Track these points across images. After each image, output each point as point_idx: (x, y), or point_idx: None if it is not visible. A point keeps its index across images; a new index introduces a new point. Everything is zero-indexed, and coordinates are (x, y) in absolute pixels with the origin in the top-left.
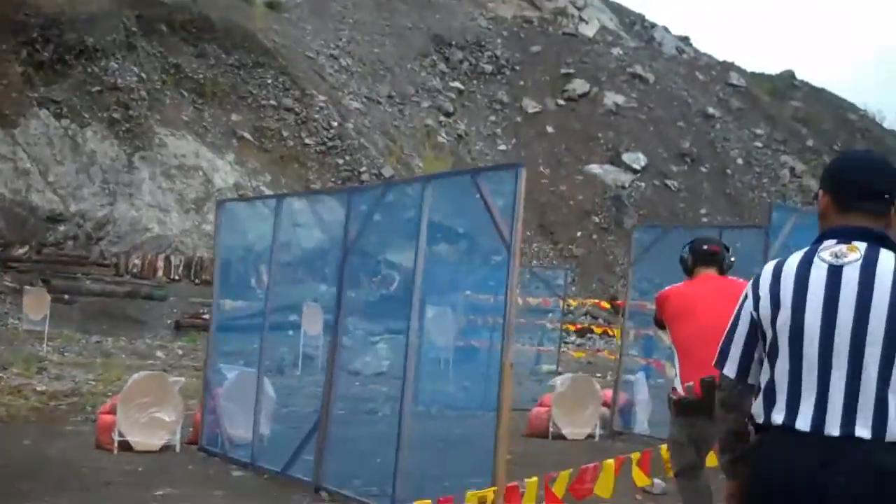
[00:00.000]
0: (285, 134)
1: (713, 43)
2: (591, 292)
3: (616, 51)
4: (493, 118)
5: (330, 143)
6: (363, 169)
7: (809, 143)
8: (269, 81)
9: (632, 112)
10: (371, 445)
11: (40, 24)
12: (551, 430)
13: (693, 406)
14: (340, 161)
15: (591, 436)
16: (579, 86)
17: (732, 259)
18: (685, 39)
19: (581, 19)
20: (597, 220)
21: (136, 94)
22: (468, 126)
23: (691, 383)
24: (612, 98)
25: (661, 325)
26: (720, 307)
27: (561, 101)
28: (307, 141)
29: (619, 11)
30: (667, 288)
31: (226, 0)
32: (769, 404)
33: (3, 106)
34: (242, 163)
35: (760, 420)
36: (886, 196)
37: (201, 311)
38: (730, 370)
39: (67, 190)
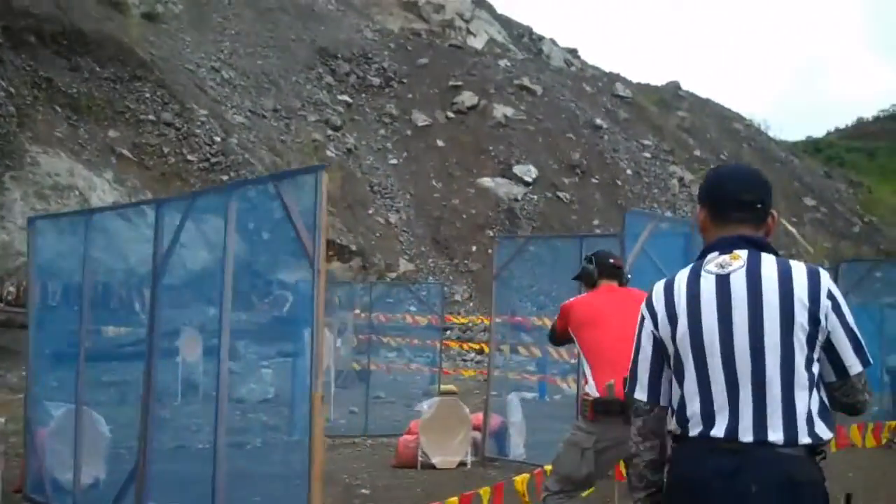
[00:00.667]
0: (166, 150)
1: (601, 55)
2: (488, 308)
3: (503, 63)
4: (382, 132)
5: (213, 160)
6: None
7: (697, 152)
8: (148, 95)
9: (521, 124)
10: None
11: None
12: (420, 459)
13: (612, 406)
14: (225, 177)
15: (462, 463)
16: (468, 98)
17: (629, 276)
18: (573, 52)
19: (469, 32)
20: (491, 233)
21: (4, 109)
22: (358, 140)
23: (612, 381)
24: (501, 110)
25: (559, 337)
26: (630, 311)
27: (450, 114)
28: (189, 157)
29: (508, 24)
30: (571, 299)
31: (99, 11)
32: (684, 421)
33: None
34: (122, 181)
35: (679, 433)
36: (760, 205)
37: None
38: (641, 394)
39: None
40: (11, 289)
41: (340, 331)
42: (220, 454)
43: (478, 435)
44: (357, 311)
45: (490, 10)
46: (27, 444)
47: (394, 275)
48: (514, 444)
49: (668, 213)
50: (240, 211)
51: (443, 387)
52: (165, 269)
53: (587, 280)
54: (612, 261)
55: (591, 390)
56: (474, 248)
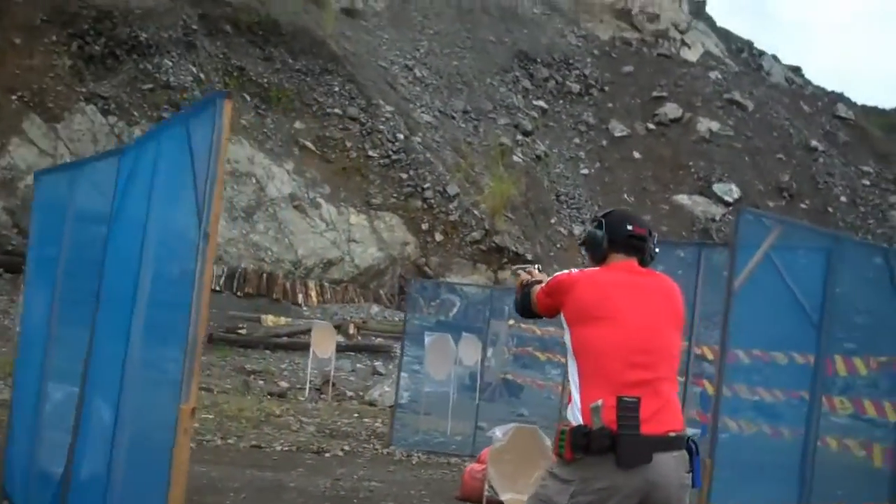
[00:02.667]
0: (348, 144)
1: (826, 75)
2: None
3: (714, 75)
4: (577, 140)
5: (395, 157)
6: (427, 185)
7: None
8: (336, 89)
9: (726, 140)
10: None
11: (92, 17)
12: (486, 494)
13: (597, 440)
14: (404, 175)
15: None
16: (671, 110)
17: (657, 250)
18: (796, 70)
19: (684, 43)
20: (682, 254)
21: (190, 93)
22: (549, 147)
23: (599, 402)
24: (706, 124)
25: (540, 311)
26: (655, 305)
27: (650, 126)
28: (371, 153)
29: (727, 37)
30: (575, 270)
31: (296, 4)
32: None
33: (47, 99)
34: (301, 172)
35: None
36: None
37: (239, 325)
38: None
39: None
40: None
41: (492, 341)
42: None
43: None
44: (511, 322)
45: (709, 21)
46: (10, 430)
47: None
48: None
49: (886, 245)
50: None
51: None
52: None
53: (592, 251)
54: (629, 227)
55: (573, 415)
56: (661, 268)
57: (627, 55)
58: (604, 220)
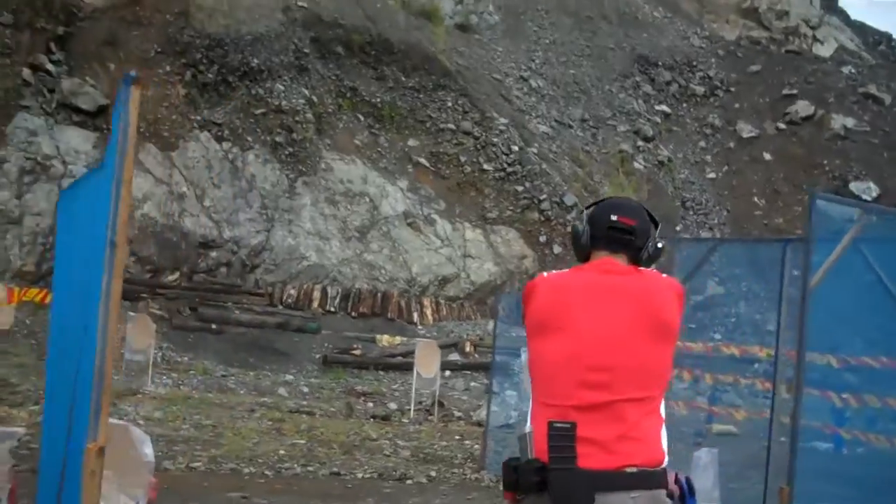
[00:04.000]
0: (463, 159)
1: None
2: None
3: (847, 70)
4: (702, 143)
5: (509, 169)
6: (543, 196)
7: None
8: (449, 104)
9: (863, 136)
10: None
11: (205, 46)
12: None
13: (525, 475)
14: (519, 188)
15: None
16: (802, 108)
17: (660, 245)
18: None
19: (815, 39)
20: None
21: (303, 116)
22: (673, 152)
23: (528, 429)
24: (840, 121)
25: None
26: (620, 312)
27: (781, 125)
28: (485, 167)
29: (862, 31)
30: (541, 274)
31: (407, 22)
32: None
33: (162, 129)
34: (416, 189)
35: None
36: None
37: (354, 346)
38: None
39: (223, 215)
40: (292, 291)
41: None
42: None
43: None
44: None
45: (843, 16)
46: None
47: (700, 297)
48: None
49: None
50: None
51: (718, 427)
52: None
53: (575, 248)
54: (614, 217)
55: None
56: (796, 272)
57: (754, 54)
58: (586, 212)
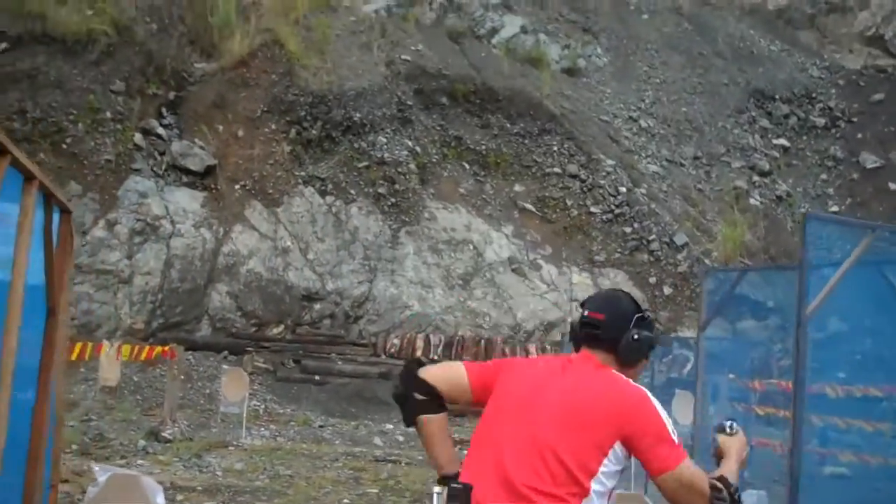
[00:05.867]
0: (569, 203)
1: None
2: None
3: None
4: (823, 176)
5: (617, 211)
6: (653, 237)
7: None
8: (555, 149)
9: None
10: None
11: (308, 103)
12: None
13: None
14: (628, 229)
15: None
16: None
17: (636, 337)
18: None
19: None
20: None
21: (406, 167)
22: (792, 186)
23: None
24: None
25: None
26: (557, 409)
27: None
28: (592, 209)
29: None
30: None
31: (512, 69)
32: None
33: (268, 185)
34: (521, 235)
35: None
36: None
37: None
38: None
39: (326, 267)
40: (395, 341)
41: (713, 395)
42: None
43: None
44: (731, 376)
45: None
46: None
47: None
48: None
49: None
50: None
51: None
52: None
53: (571, 339)
54: (586, 313)
55: None
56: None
57: (877, 82)
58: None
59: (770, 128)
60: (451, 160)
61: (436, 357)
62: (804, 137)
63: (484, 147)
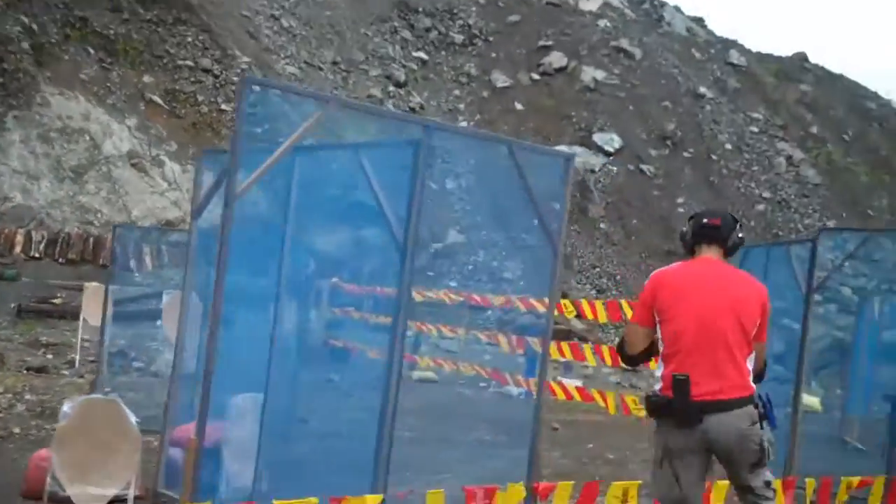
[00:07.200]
0: (200, 98)
1: (726, 23)
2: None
3: (603, 23)
4: (457, 92)
5: (249, 111)
6: (282, 139)
7: (813, 129)
8: (189, 40)
9: (611, 89)
10: None
11: None
12: (48, 489)
13: (659, 406)
14: (258, 130)
15: (120, 501)
16: (556, 59)
17: (741, 236)
18: (699, 20)
19: None
20: (557, 206)
21: (16, 45)
22: (426, 99)
23: (659, 378)
24: (590, 73)
25: (643, 319)
26: (714, 299)
27: (535, 76)
28: (223, 106)
29: None
30: (661, 269)
31: None
32: None
33: None
34: (145, 129)
35: None
36: None
37: (57, 294)
38: None
39: None
40: None
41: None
42: None
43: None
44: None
45: None
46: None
47: (440, 245)
48: (232, 475)
49: (767, 194)
50: None
51: (418, 373)
52: None
53: (684, 246)
54: (705, 220)
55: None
56: (535, 222)
57: (515, 3)
58: (690, 219)
59: (411, 40)
60: (74, 42)
61: (37, 255)
62: (442, 52)
63: (112, 31)
